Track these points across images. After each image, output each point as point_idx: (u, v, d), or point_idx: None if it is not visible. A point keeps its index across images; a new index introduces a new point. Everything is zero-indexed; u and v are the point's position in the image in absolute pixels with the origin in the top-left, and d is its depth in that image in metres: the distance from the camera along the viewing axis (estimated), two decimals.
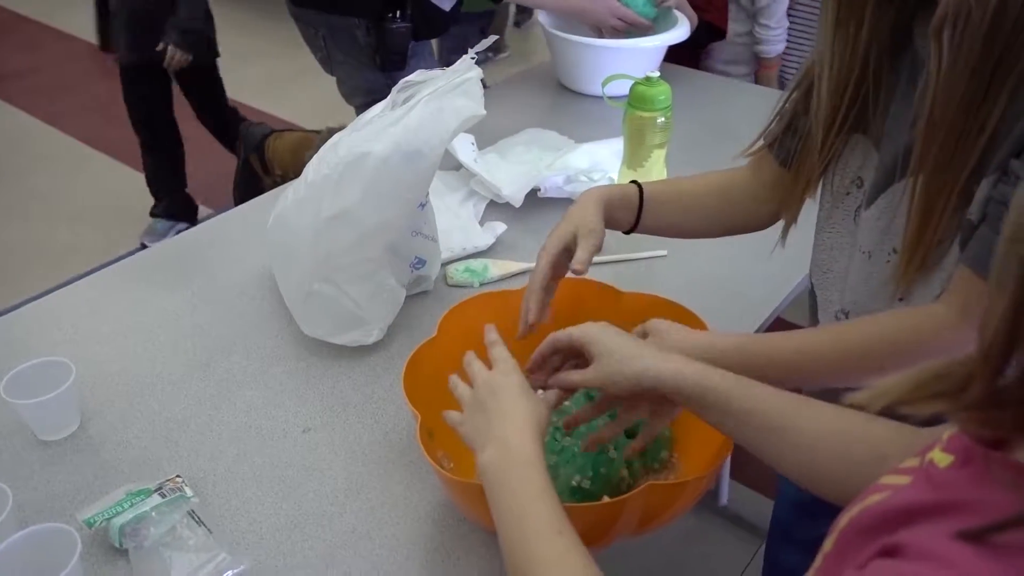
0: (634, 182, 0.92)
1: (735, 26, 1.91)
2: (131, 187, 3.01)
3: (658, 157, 1.28)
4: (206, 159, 3.16)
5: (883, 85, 0.75)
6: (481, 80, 1.00)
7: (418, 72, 1.03)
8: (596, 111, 1.63)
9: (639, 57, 1.62)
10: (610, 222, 0.89)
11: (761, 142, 0.90)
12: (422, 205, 1.00)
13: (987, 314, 0.36)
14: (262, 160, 2.15)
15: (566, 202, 1.32)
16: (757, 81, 1.98)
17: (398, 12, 1.57)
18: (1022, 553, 0.34)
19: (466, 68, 1.01)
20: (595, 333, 0.71)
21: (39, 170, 3.20)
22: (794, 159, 0.85)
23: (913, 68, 0.73)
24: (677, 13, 1.70)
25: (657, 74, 1.23)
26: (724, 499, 1.80)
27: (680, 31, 1.63)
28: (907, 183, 0.71)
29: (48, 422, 0.91)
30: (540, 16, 1.69)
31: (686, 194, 0.94)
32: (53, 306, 1.17)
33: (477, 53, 1.02)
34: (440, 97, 0.96)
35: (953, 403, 0.37)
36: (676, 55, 1.79)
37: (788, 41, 1.93)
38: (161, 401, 0.98)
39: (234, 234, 1.31)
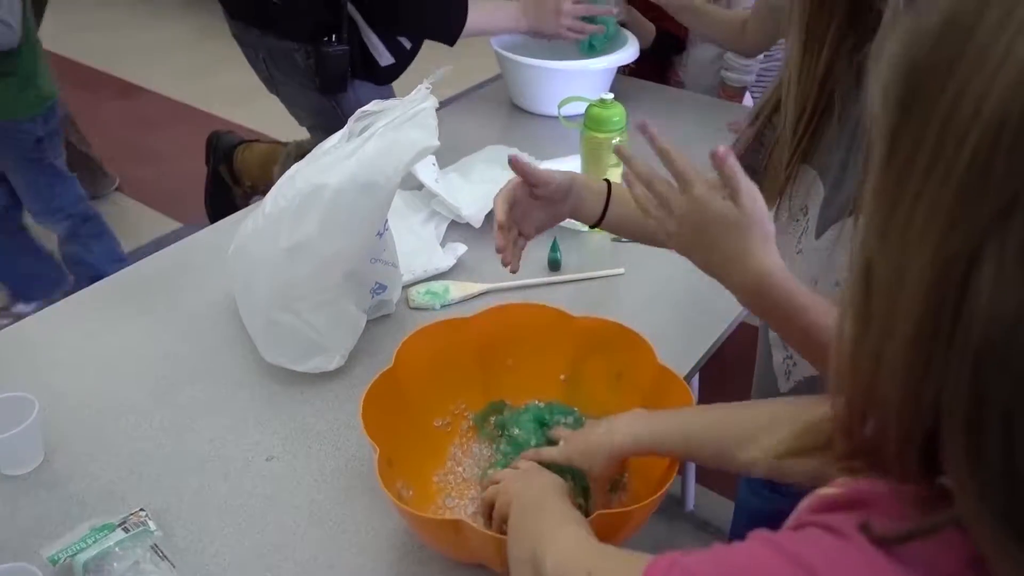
0: (604, 180, 0.93)
1: (706, 51, 1.90)
2: (101, 200, 2.99)
3: (615, 173, 1.31)
4: (177, 167, 3.16)
5: (832, 116, 0.79)
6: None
7: (374, 102, 1.05)
8: (551, 129, 1.65)
9: (591, 78, 1.65)
10: (580, 210, 0.91)
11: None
12: (380, 233, 1.02)
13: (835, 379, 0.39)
14: (231, 171, 2.15)
15: None
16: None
17: (334, 36, 1.57)
18: (918, 562, 0.36)
19: (421, 98, 1.03)
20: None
21: None
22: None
23: (863, 106, 0.76)
24: (625, 32, 1.72)
25: (611, 96, 1.26)
26: (690, 504, 1.84)
27: (628, 51, 1.65)
28: (854, 219, 0.74)
29: (12, 457, 0.93)
30: (492, 43, 1.70)
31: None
32: (13, 338, 1.17)
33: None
34: (395, 128, 0.98)
35: (823, 456, 0.40)
36: (641, 69, 1.82)
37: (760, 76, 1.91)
38: (125, 432, 0.99)
39: (195, 259, 1.32)
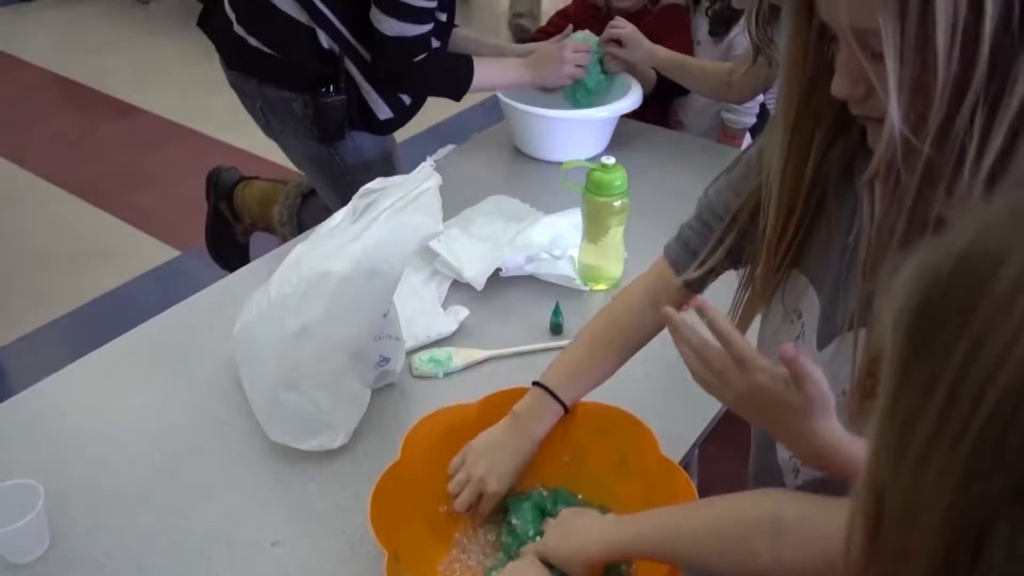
0: (538, 384, 0.95)
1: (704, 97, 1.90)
2: (99, 229, 2.99)
3: (616, 233, 1.32)
4: (175, 191, 3.15)
5: (820, 218, 0.78)
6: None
7: (377, 180, 1.06)
8: (554, 177, 1.65)
9: (594, 126, 1.65)
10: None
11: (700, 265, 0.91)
12: (385, 314, 1.03)
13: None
14: (231, 208, 2.15)
15: (527, 280, 1.35)
16: None
17: (331, 87, 1.57)
18: None
19: (424, 176, 1.03)
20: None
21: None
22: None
23: (853, 211, 0.75)
24: (628, 78, 1.73)
25: (612, 160, 1.26)
26: None
27: (631, 99, 1.66)
28: (853, 334, 0.73)
29: (18, 547, 0.93)
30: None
31: (585, 360, 0.97)
32: (14, 410, 1.16)
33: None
34: (399, 212, 0.98)
35: None
36: (642, 111, 1.82)
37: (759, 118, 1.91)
38: (129, 514, 0.99)
39: (198, 321, 1.32)
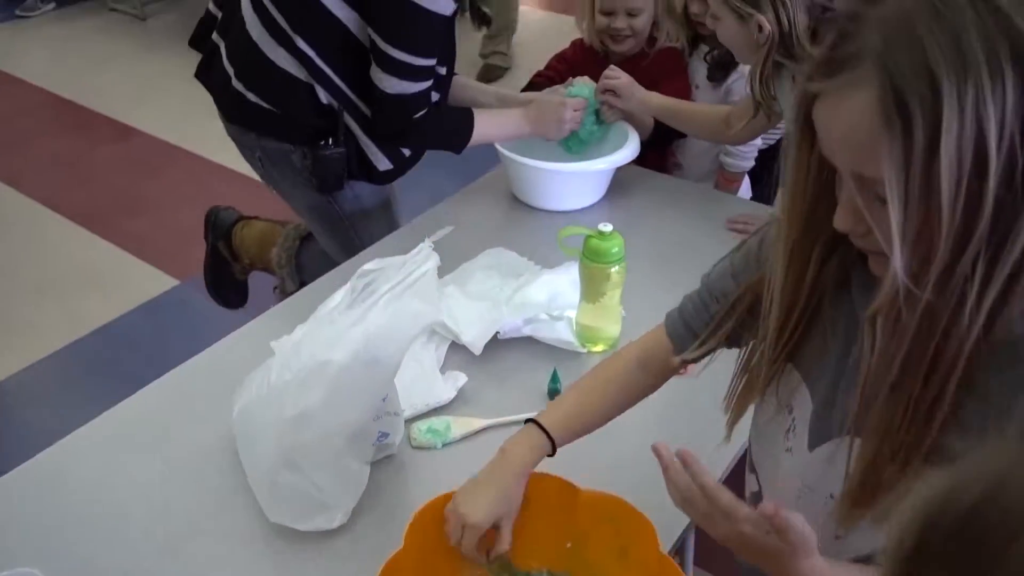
0: (533, 421, 0.97)
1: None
2: (96, 256, 2.99)
3: (614, 295, 1.33)
4: (173, 217, 3.15)
5: (819, 324, 0.79)
6: None
7: (375, 260, 1.06)
8: (551, 227, 1.66)
9: (591, 177, 1.66)
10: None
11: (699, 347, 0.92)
12: (384, 398, 1.03)
13: None
14: (230, 247, 2.16)
15: (526, 342, 1.36)
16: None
17: (330, 140, 1.57)
18: None
19: (424, 258, 1.04)
20: None
21: None
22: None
23: (850, 319, 0.76)
24: (624, 126, 1.73)
25: (610, 227, 1.27)
26: None
27: (628, 150, 1.67)
28: (846, 440, 0.74)
29: None
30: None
31: (579, 407, 1.00)
32: (16, 484, 1.16)
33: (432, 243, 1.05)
34: (398, 297, 0.98)
35: None
36: (640, 156, 1.82)
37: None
38: None
39: (196, 387, 1.32)
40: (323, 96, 1.55)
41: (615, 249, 1.26)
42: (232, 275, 2.21)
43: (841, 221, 0.66)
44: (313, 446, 1.00)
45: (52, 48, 4.75)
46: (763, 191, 1.98)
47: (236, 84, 1.60)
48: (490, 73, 3.97)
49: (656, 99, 1.72)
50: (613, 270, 1.28)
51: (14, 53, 4.65)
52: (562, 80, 1.81)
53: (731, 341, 0.90)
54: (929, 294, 0.61)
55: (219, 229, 2.16)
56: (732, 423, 0.93)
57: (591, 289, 1.31)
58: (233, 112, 1.65)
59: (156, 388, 1.34)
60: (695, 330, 0.93)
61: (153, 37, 4.84)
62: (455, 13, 1.50)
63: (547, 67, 1.94)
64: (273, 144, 1.64)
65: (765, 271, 0.79)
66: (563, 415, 0.99)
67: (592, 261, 1.27)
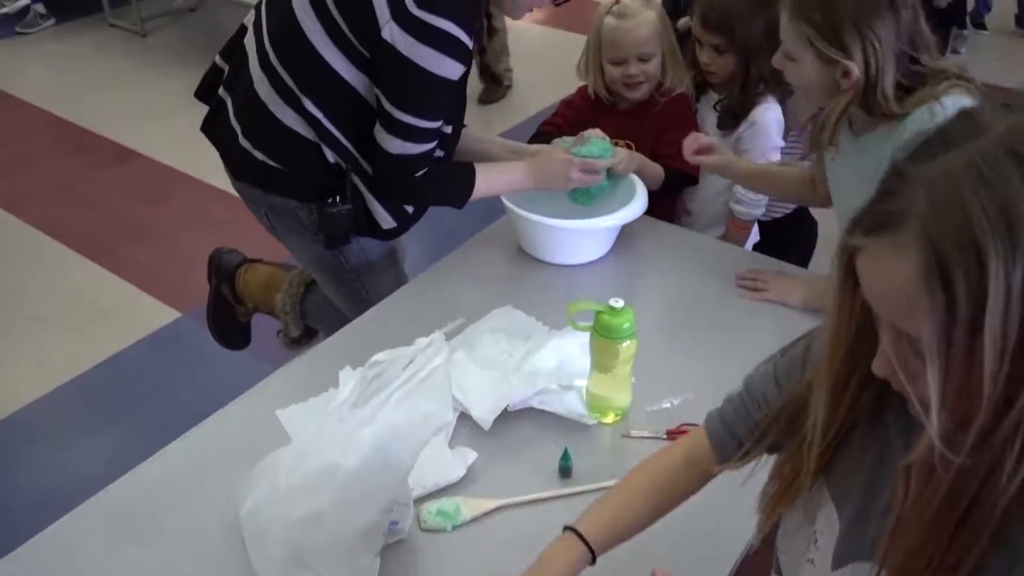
0: (572, 529, 0.94)
1: (715, 182, 1.88)
2: (98, 287, 2.97)
3: (625, 365, 1.31)
4: (176, 246, 3.14)
5: (850, 443, 0.78)
6: None
7: (385, 352, 1.05)
8: (558, 280, 1.65)
9: (599, 233, 1.65)
10: None
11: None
12: (395, 500, 1.02)
13: None
14: (233, 291, 2.14)
15: (535, 412, 1.35)
16: (725, 239, 1.93)
17: (338, 198, 1.56)
18: None
19: (435, 351, 1.02)
20: None
21: None
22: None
23: (884, 445, 0.75)
24: (633, 178, 1.72)
25: (621, 303, 1.25)
26: None
27: (637, 205, 1.65)
28: (870, 568, 0.73)
29: None
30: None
31: (619, 511, 0.97)
32: (16, 569, 1.15)
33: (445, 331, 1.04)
34: (409, 395, 0.97)
35: None
36: (652, 204, 1.80)
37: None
38: None
39: (203, 460, 1.30)
40: (330, 156, 1.54)
41: (626, 325, 1.25)
42: (235, 318, 2.20)
43: (880, 368, 0.64)
44: (323, 546, 0.99)
45: (52, 66, 4.74)
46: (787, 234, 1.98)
47: (243, 142, 1.58)
48: (491, 94, 3.95)
49: (743, 165, 1.70)
50: (624, 345, 1.26)
51: (14, 71, 4.64)
52: (571, 130, 1.79)
53: (772, 449, 0.89)
54: (965, 457, 0.59)
55: (223, 272, 2.15)
56: (762, 528, 0.91)
57: (602, 362, 1.29)
58: (240, 169, 1.63)
59: (160, 460, 1.32)
60: (737, 435, 0.92)
61: (153, 54, 4.83)
62: (465, 75, 1.49)
63: (555, 114, 1.93)
64: (280, 200, 1.63)
65: (808, 380, 0.79)
66: (604, 521, 0.96)
67: (603, 337, 1.26)
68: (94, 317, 2.83)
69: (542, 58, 4.25)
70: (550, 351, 1.42)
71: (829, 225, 1.83)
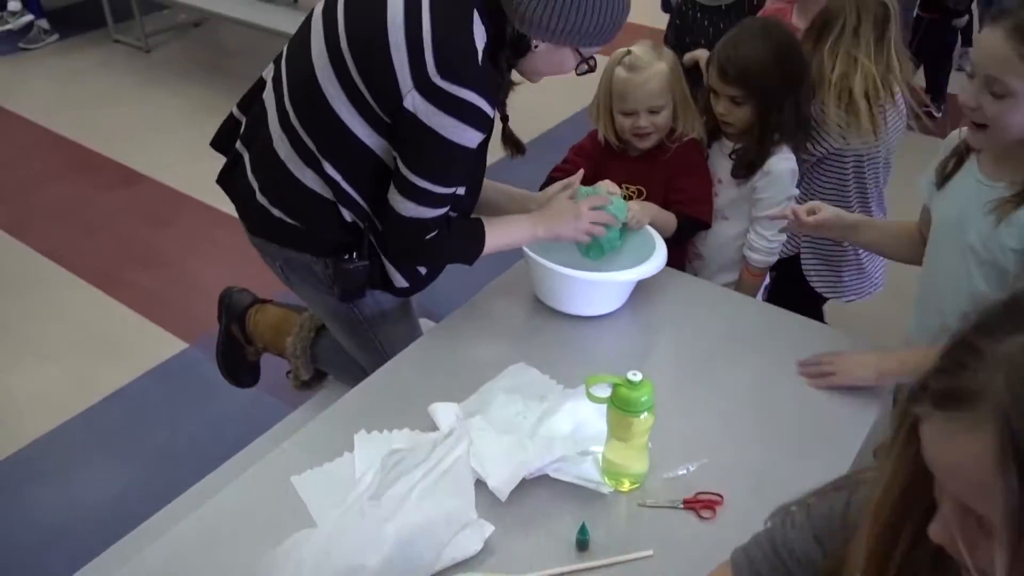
0: None
1: (729, 227, 1.88)
2: (103, 316, 2.96)
3: (642, 436, 1.30)
4: (183, 273, 3.13)
5: None
6: None
7: (405, 437, 1.04)
8: (572, 332, 1.64)
9: (616, 286, 1.64)
10: None
11: None
12: None
13: None
14: (243, 331, 2.14)
15: (551, 480, 1.34)
16: (737, 287, 1.93)
17: (354, 254, 1.55)
18: None
19: (456, 439, 1.02)
20: None
21: (3, 297, 3.06)
22: None
23: None
24: (650, 230, 1.71)
25: (639, 376, 1.25)
26: None
27: (656, 260, 1.63)
28: None
29: None
30: None
31: None
32: None
33: None
34: (431, 490, 0.96)
35: None
36: None
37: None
38: None
39: (220, 531, 1.29)
40: (347, 215, 1.53)
41: (644, 398, 1.24)
42: (245, 357, 2.19)
43: (938, 535, 0.63)
44: None
45: (55, 82, 4.72)
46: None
47: (260, 199, 1.57)
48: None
49: (850, 218, 1.67)
50: (642, 417, 1.25)
51: (17, 88, 4.63)
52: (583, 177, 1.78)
53: None
54: None
55: (233, 312, 2.14)
56: None
57: (619, 433, 1.29)
58: (257, 225, 1.62)
59: (177, 537, 1.30)
60: None
61: (157, 71, 4.81)
62: (486, 140, 1.48)
63: (565, 160, 1.92)
64: (295, 254, 1.62)
65: (854, 543, 0.75)
66: None
67: (621, 410, 1.25)
68: (100, 348, 2.82)
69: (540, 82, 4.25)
70: (566, 414, 1.41)
71: None
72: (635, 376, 1.24)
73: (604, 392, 1.28)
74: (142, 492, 2.28)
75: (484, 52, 1.39)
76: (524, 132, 1.68)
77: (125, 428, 2.52)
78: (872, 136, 1.80)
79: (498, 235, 1.61)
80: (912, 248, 1.59)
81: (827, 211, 1.63)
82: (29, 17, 5.00)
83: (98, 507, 2.25)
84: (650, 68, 1.73)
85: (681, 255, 1.93)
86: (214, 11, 4.50)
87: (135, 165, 3.89)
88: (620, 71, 1.75)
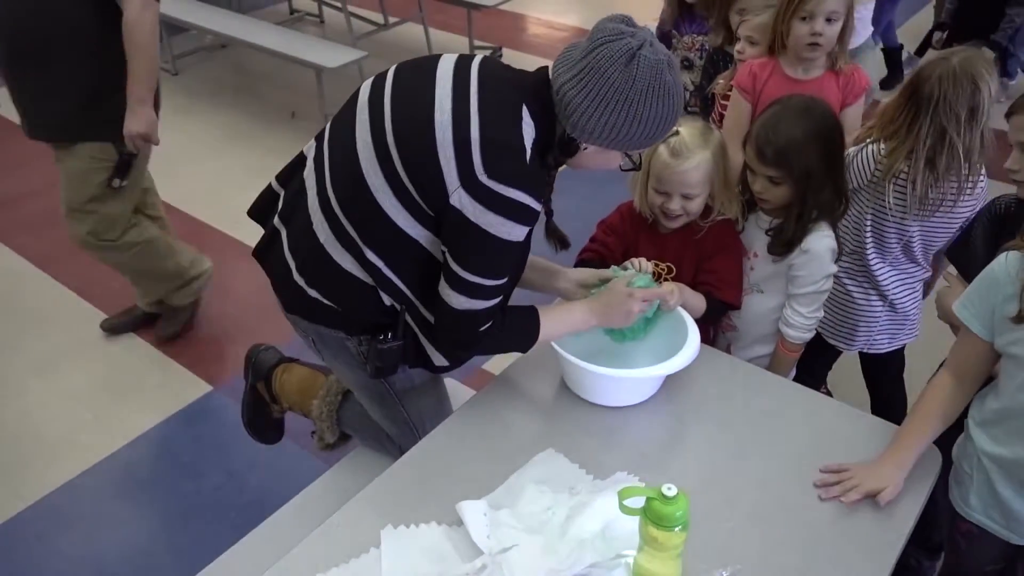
0: None
1: (765, 301, 1.85)
2: (133, 356, 2.96)
3: (676, 550, 1.26)
4: (206, 312, 3.13)
5: None
6: None
7: (433, 531, 1.01)
8: (602, 421, 1.61)
9: (644, 381, 1.62)
10: None
11: None
12: None
13: None
14: (269, 390, 2.13)
15: None
16: (772, 361, 1.90)
17: (389, 334, 1.53)
18: None
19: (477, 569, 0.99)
20: None
21: (32, 334, 3.08)
22: None
23: None
24: (683, 315, 1.66)
25: (674, 490, 1.21)
26: None
27: (688, 352, 1.59)
28: None
29: None
30: None
31: None
32: None
33: None
34: None
35: None
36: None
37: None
38: None
39: None
40: (387, 299, 1.51)
41: (679, 513, 1.21)
42: (270, 415, 2.18)
43: None
44: None
45: None
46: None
47: (297, 278, 1.56)
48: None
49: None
50: (676, 530, 1.22)
51: None
52: (612, 256, 1.75)
53: None
54: None
55: (259, 370, 2.13)
56: None
57: (650, 554, 1.25)
58: (292, 303, 1.61)
59: None
60: None
61: (184, 96, 4.82)
62: (531, 231, 1.46)
63: (592, 239, 1.88)
64: (328, 331, 1.61)
65: None
66: None
67: (655, 525, 1.22)
68: (126, 391, 2.82)
69: None
70: (595, 512, 1.39)
71: None
72: (670, 491, 1.21)
73: (638, 504, 1.25)
74: (167, 546, 2.29)
75: (533, 148, 1.37)
76: None
77: (150, 476, 2.52)
78: None
79: (553, 325, 1.59)
80: (956, 405, 1.48)
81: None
82: None
83: (123, 562, 2.25)
84: (693, 157, 1.67)
85: (706, 334, 1.88)
86: (237, 37, 4.51)
87: (163, 196, 3.86)
88: (663, 152, 1.70)
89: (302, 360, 2.13)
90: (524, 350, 1.58)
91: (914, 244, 1.88)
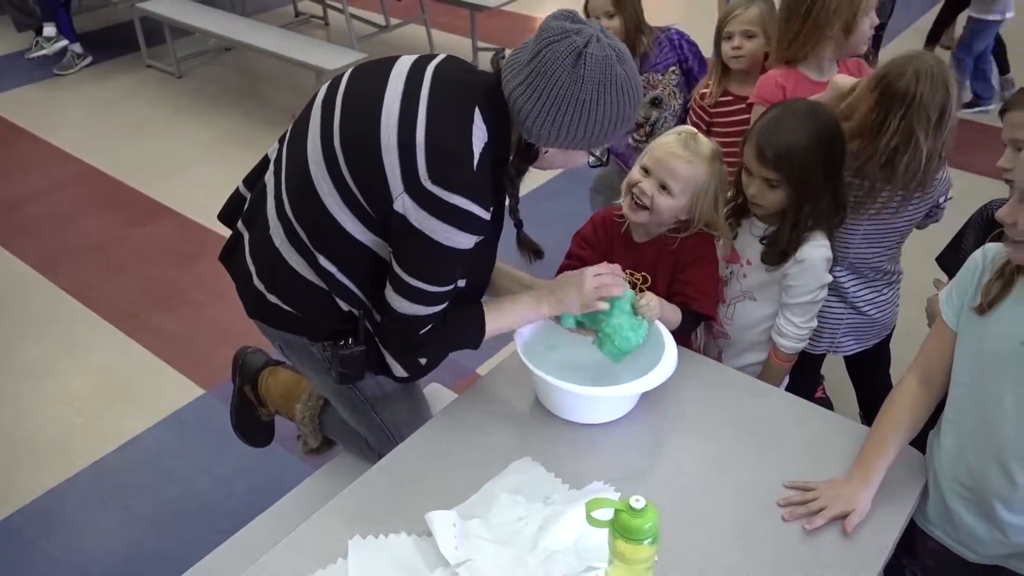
0: None
1: (758, 309, 1.80)
2: (127, 361, 2.95)
3: (645, 563, 1.23)
4: (202, 316, 3.12)
5: None
6: None
7: (402, 542, 0.98)
8: (577, 434, 1.57)
9: (619, 399, 1.57)
10: None
11: None
12: None
13: None
14: (256, 393, 2.11)
15: None
16: (763, 370, 1.85)
17: (351, 339, 1.50)
18: None
19: None
20: None
21: (28, 337, 3.08)
22: None
23: None
24: (661, 330, 1.61)
25: (642, 502, 1.18)
26: None
27: (665, 367, 1.53)
28: None
29: None
30: (517, 340, 1.58)
31: None
32: None
33: None
34: None
35: None
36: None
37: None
38: None
39: None
40: (343, 304, 1.49)
41: (648, 526, 1.17)
42: (258, 418, 2.17)
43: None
44: None
45: (88, 110, 4.77)
46: None
47: (257, 283, 1.54)
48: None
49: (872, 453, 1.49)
50: (644, 544, 1.19)
51: (51, 116, 4.68)
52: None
53: None
54: None
55: (246, 373, 2.12)
56: None
57: (620, 558, 1.22)
58: (253, 308, 1.59)
59: None
60: None
61: (187, 98, 4.84)
62: (489, 239, 1.42)
63: (569, 255, 1.83)
64: (293, 337, 1.59)
65: None
66: None
67: (623, 538, 1.18)
68: (119, 395, 2.81)
69: None
70: (568, 524, 1.35)
71: None
72: (638, 503, 1.17)
73: (606, 516, 1.22)
74: (152, 552, 2.28)
75: (484, 154, 1.33)
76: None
77: (138, 480, 2.50)
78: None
79: (499, 318, 1.54)
80: (923, 410, 1.43)
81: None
82: (64, 43, 5.06)
83: (107, 567, 2.24)
84: (696, 158, 1.62)
85: (687, 340, 1.83)
86: (240, 40, 4.51)
87: (164, 199, 3.90)
88: (673, 140, 1.64)
89: (287, 364, 2.11)
90: (474, 346, 1.54)
91: (864, 247, 1.82)
